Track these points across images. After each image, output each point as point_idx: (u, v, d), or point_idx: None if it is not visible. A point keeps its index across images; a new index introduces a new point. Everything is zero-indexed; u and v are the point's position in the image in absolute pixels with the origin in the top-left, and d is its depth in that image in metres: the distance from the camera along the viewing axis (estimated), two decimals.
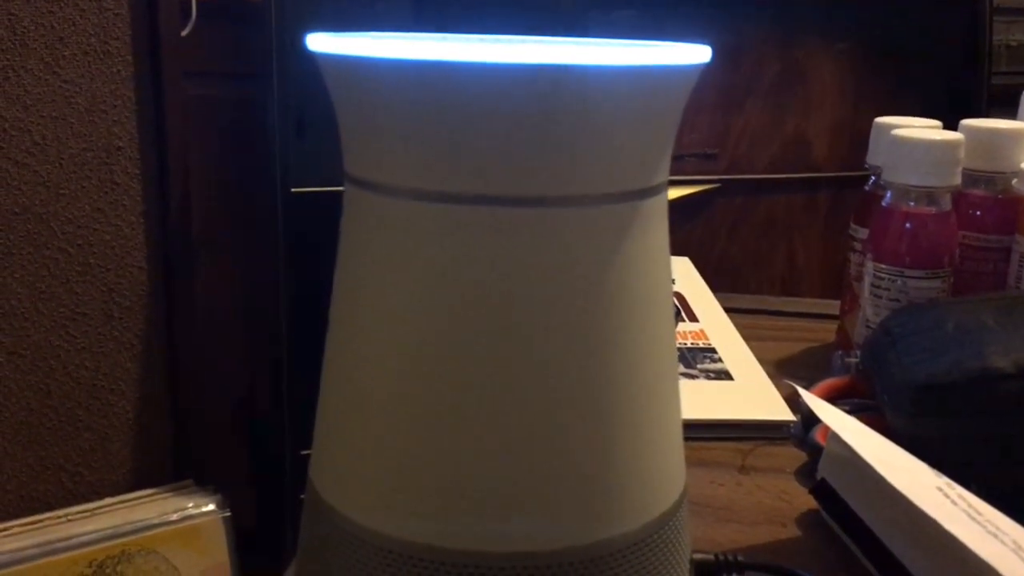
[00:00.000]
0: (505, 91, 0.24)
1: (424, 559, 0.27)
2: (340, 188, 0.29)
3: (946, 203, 0.56)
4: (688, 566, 0.31)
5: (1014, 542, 0.34)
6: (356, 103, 0.27)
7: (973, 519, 0.35)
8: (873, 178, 0.64)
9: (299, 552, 0.31)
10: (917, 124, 0.62)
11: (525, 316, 0.26)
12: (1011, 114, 0.68)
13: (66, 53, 0.90)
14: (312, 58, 0.27)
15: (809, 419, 0.49)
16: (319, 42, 0.26)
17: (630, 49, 0.25)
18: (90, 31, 0.91)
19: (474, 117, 0.25)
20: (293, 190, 1.05)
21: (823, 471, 0.43)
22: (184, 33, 0.99)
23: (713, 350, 0.65)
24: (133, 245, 0.97)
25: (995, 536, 0.34)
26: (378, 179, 0.27)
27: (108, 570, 0.92)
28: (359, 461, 0.28)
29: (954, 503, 0.36)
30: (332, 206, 0.30)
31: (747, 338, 0.67)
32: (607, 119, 0.25)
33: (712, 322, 0.71)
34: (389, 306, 0.27)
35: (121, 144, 0.95)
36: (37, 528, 0.91)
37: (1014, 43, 1.51)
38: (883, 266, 0.56)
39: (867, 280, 0.58)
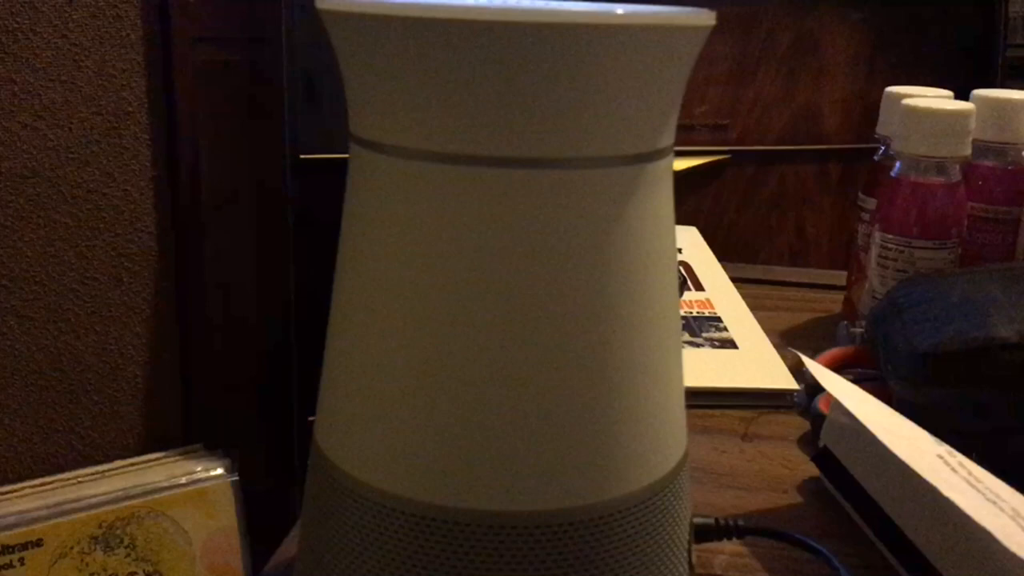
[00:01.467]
0: (509, 50, 0.24)
1: (427, 517, 0.27)
2: (349, 155, 0.29)
3: (955, 174, 0.56)
4: (688, 528, 0.32)
5: (1013, 509, 0.34)
6: (361, 62, 0.27)
7: (973, 487, 0.35)
8: (883, 148, 0.63)
9: (303, 511, 0.32)
10: (928, 94, 0.61)
11: (528, 277, 0.26)
12: None
13: (75, 16, 0.90)
14: (319, 18, 0.27)
15: (813, 388, 0.50)
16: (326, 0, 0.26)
17: (636, 10, 0.25)
18: None
19: (477, 76, 0.25)
20: (302, 156, 1.05)
21: (825, 439, 0.44)
22: None
23: (719, 319, 0.65)
24: (143, 210, 0.97)
25: (994, 503, 0.34)
26: (383, 140, 0.27)
27: (118, 531, 0.93)
28: (364, 422, 0.28)
29: (954, 471, 0.36)
30: (341, 173, 0.30)
31: (753, 308, 0.67)
32: (612, 80, 0.25)
33: (718, 291, 0.71)
34: (394, 267, 0.27)
35: (131, 108, 0.95)
36: (47, 490, 0.93)
37: None
38: (890, 236, 0.56)
39: (874, 250, 0.57)
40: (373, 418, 0.28)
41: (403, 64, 0.25)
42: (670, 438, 0.30)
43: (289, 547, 0.39)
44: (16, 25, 0.87)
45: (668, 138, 0.28)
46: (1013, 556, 0.31)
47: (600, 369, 0.27)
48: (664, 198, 0.28)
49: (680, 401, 0.31)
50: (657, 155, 0.27)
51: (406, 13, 0.24)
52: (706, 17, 0.27)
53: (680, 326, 0.31)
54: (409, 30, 0.25)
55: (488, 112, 0.25)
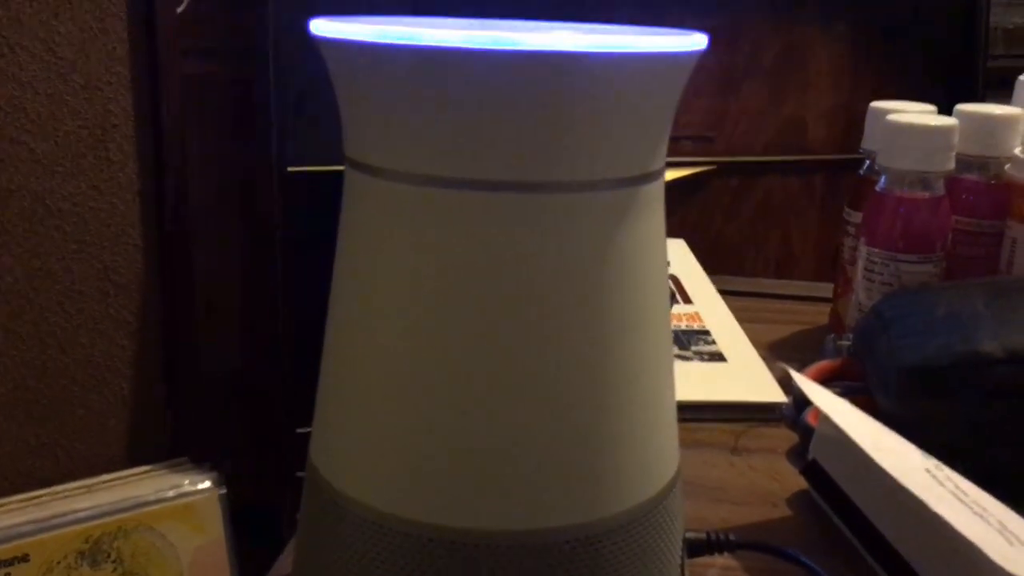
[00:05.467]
0: (504, 77, 0.24)
1: (424, 536, 0.27)
2: (336, 168, 0.29)
3: (939, 188, 0.56)
4: (681, 544, 0.32)
5: (999, 522, 0.34)
6: (356, 87, 0.27)
7: (959, 499, 0.35)
8: (867, 162, 0.64)
9: (298, 530, 0.32)
10: (912, 109, 0.62)
11: (522, 299, 0.26)
12: (1007, 97, 0.68)
13: (61, 30, 0.90)
14: (313, 41, 0.28)
15: (801, 401, 0.50)
16: (321, 27, 0.26)
17: (628, 36, 0.25)
18: (86, 8, 0.90)
19: (473, 102, 0.25)
20: (289, 169, 1.05)
21: (814, 452, 0.44)
22: (180, 10, 0.98)
23: (707, 332, 0.65)
24: (129, 223, 0.97)
25: (981, 516, 0.34)
26: (378, 163, 0.27)
27: (104, 546, 0.92)
28: (360, 441, 0.28)
29: (941, 484, 0.36)
30: (328, 185, 0.30)
31: (741, 320, 0.68)
32: (604, 106, 0.26)
33: (707, 304, 0.71)
34: (388, 289, 0.27)
35: (117, 122, 0.94)
36: (33, 504, 0.92)
37: (1011, 26, 1.51)
38: (876, 250, 0.57)
39: (860, 264, 0.58)
40: (369, 438, 0.28)
41: (397, 90, 0.26)
42: (663, 456, 0.30)
43: (283, 565, 0.39)
44: (1, 39, 0.87)
45: (660, 160, 0.29)
46: (1000, 569, 0.32)
47: (593, 389, 0.27)
48: (656, 219, 0.29)
49: (672, 420, 0.31)
50: (649, 177, 0.28)
51: (401, 41, 0.25)
52: (697, 41, 0.27)
53: (672, 345, 0.31)
54: (403, 57, 0.25)
55: (482, 137, 0.25)
